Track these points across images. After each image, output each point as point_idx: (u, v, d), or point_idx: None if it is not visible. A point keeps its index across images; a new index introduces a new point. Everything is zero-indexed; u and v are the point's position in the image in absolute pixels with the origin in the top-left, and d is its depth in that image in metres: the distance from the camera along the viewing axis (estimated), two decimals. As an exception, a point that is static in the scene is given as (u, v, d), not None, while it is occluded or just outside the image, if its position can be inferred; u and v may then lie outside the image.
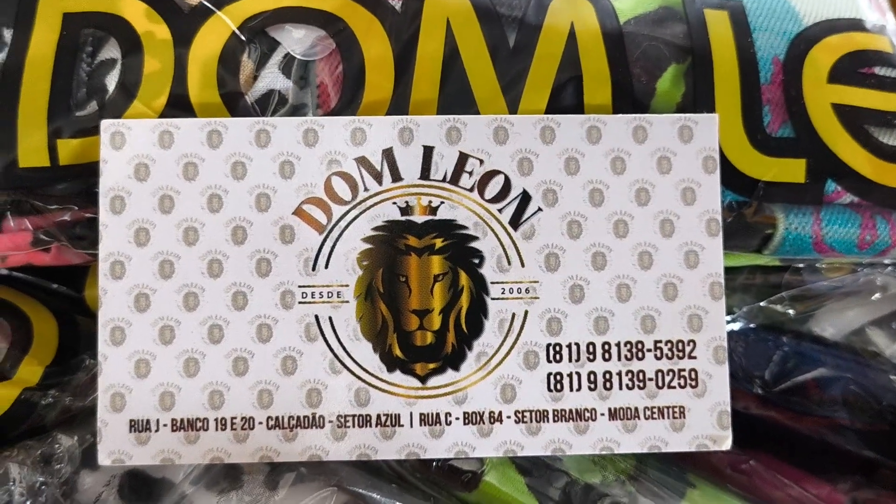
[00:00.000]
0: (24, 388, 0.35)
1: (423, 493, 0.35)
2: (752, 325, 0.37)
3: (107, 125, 0.33)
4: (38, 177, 0.34)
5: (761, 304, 0.38)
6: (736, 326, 0.37)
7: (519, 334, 0.33)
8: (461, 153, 0.34)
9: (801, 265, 0.37)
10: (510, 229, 0.33)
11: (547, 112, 0.35)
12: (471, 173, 0.34)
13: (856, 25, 0.37)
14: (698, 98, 0.35)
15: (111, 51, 0.35)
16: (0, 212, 0.34)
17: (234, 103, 0.34)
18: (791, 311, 0.37)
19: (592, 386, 0.33)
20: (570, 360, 0.33)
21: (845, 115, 0.35)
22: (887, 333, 0.37)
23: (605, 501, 0.34)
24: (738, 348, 0.37)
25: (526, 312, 0.33)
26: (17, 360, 0.35)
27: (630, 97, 0.35)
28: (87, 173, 0.34)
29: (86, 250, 0.35)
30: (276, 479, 0.33)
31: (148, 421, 0.32)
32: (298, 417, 0.33)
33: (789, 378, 0.37)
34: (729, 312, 0.37)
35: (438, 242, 0.33)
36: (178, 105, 0.34)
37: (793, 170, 0.35)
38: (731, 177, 0.35)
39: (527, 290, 0.33)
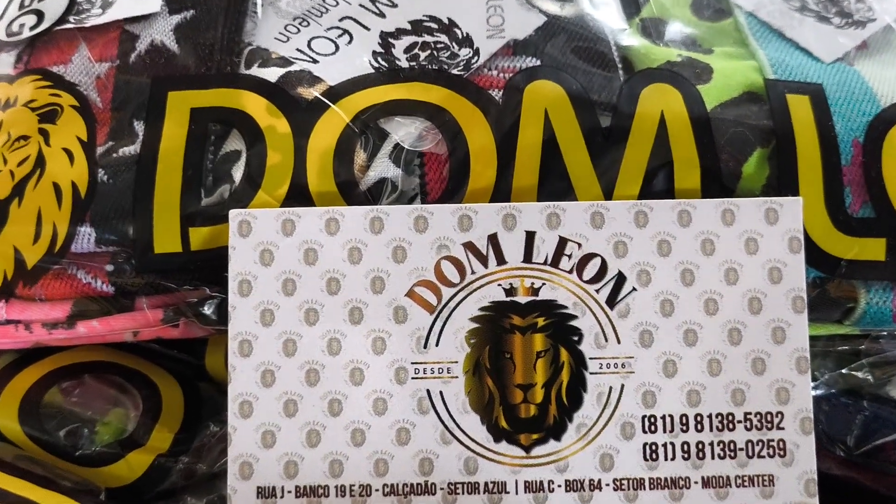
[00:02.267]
0: (158, 454, 0.37)
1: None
2: (833, 391, 0.39)
3: (234, 214, 0.36)
4: (171, 261, 0.36)
5: (842, 371, 0.39)
6: (818, 392, 0.39)
7: (616, 406, 0.34)
8: (561, 237, 0.36)
9: (881, 333, 0.39)
10: (607, 308, 0.35)
11: (640, 197, 0.37)
12: (570, 256, 0.36)
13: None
14: (782, 181, 0.37)
15: (235, 143, 0.37)
16: (134, 291, 0.37)
17: (349, 192, 0.37)
18: (870, 377, 0.39)
19: (686, 455, 0.34)
20: (665, 431, 0.34)
21: (924, 195, 0.36)
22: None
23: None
24: (821, 414, 0.39)
25: (622, 386, 0.34)
26: (149, 427, 0.38)
27: (718, 181, 0.37)
28: (216, 258, 0.36)
29: (213, 326, 0.37)
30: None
31: (274, 488, 0.34)
32: (412, 485, 0.34)
33: (870, 441, 0.39)
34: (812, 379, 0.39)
35: (541, 321, 0.34)
36: (298, 194, 0.36)
37: (874, 248, 0.37)
38: (815, 256, 0.37)
39: (623, 365, 0.34)
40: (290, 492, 0.35)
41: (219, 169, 0.37)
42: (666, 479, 0.34)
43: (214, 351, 0.42)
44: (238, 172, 0.36)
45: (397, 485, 0.35)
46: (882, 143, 0.38)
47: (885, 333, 0.39)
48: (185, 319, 0.37)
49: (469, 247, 0.36)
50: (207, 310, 0.37)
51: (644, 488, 0.35)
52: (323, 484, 0.35)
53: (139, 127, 0.37)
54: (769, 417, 0.36)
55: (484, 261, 0.36)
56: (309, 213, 0.36)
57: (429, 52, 0.39)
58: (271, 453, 0.35)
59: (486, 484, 0.34)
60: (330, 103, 0.37)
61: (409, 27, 0.39)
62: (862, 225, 0.37)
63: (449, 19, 0.40)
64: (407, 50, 0.40)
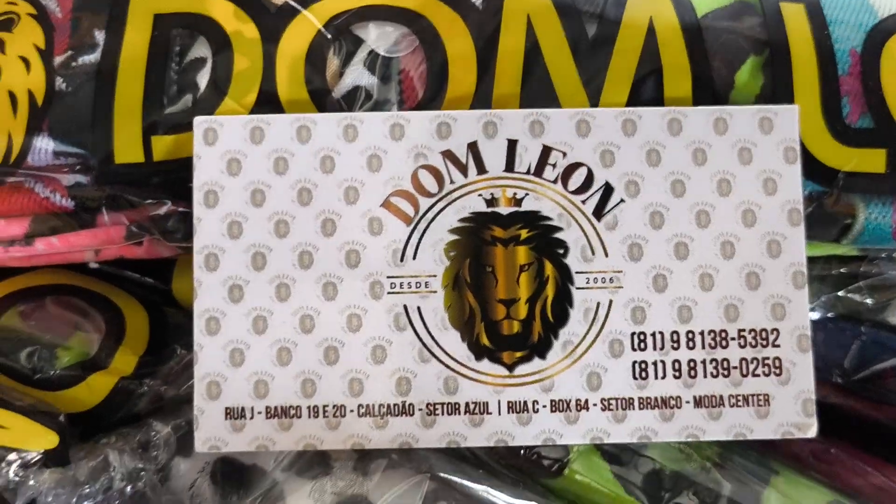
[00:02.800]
0: (121, 377, 0.35)
1: (511, 480, 0.35)
2: (830, 315, 0.37)
3: (200, 122, 0.34)
4: (133, 172, 0.35)
5: (839, 293, 0.38)
6: (814, 316, 0.37)
7: (604, 323, 0.33)
8: (544, 146, 0.34)
9: (879, 255, 0.37)
10: (594, 220, 0.33)
11: (628, 105, 0.35)
12: (554, 165, 0.34)
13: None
14: (777, 90, 0.36)
15: (201, 50, 0.36)
16: (96, 207, 0.35)
17: (321, 100, 0.35)
18: (869, 301, 0.38)
19: (677, 374, 0.33)
20: (655, 349, 0.33)
21: (924, 104, 0.35)
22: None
23: (691, 489, 0.34)
24: (817, 338, 0.37)
25: (610, 301, 0.33)
26: (112, 350, 0.36)
27: (710, 89, 0.35)
28: (181, 169, 0.34)
29: (178, 243, 0.35)
30: (366, 465, 0.34)
31: (243, 408, 0.32)
32: (389, 405, 0.33)
33: (868, 367, 0.37)
34: (806, 302, 0.37)
35: (524, 233, 0.33)
36: (268, 102, 0.35)
37: (873, 160, 0.35)
38: (812, 167, 0.35)
39: (611, 280, 0.33)
40: (259, 413, 0.33)
41: (183, 77, 0.35)
42: (656, 398, 0.33)
43: (182, 275, 0.39)
44: (203, 80, 0.35)
45: (373, 405, 0.33)
46: (880, 53, 0.36)
47: (884, 255, 0.37)
48: (150, 237, 0.36)
49: (448, 155, 0.34)
50: (172, 225, 0.34)
51: (633, 408, 0.33)
52: (295, 404, 0.33)
53: (100, 35, 0.35)
54: (764, 334, 0.34)
55: (463, 170, 0.34)
56: (279, 120, 0.34)
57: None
58: (240, 372, 0.33)
59: (466, 404, 0.33)
60: (300, 8, 0.35)
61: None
62: (860, 135, 0.35)
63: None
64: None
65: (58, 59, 0.35)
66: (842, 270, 0.38)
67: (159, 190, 0.35)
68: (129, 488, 0.33)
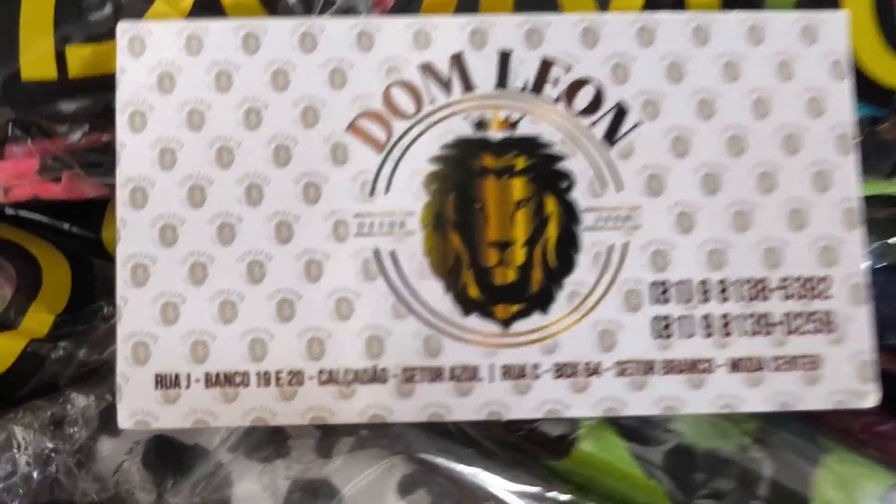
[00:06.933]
0: (31, 339, 0.30)
1: (506, 461, 0.29)
2: (882, 265, 0.31)
3: (124, 28, 0.28)
4: (44, 90, 0.29)
5: (889, 241, 0.32)
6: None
7: (618, 270, 0.28)
8: (544, 59, 0.29)
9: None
10: (604, 147, 0.29)
11: (644, 10, 0.30)
12: (556, 82, 0.29)
13: None
14: (822, -8, 0.30)
15: (128, -56, 0.29)
16: (2, 135, 0.29)
17: (273, 2, 0.30)
18: (926, 250, 0.32)
19: (708, 332, 0.28)
20: (680, 301, 0.28)
21: None
22: None
23: (726, 471, 0.28)
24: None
25: (626, 244, 0.28)
26: (23, 307, 0.30)
27: (742, -9, 0.29)
28: (102, 87, 0.29)
29: (102, 178, 0.30)
30: (329, 444, 0.28)
31: (177, 375, 0.27)
32: (357, 371, 0.28)
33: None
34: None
35: (519, 162, 0.28)
36: (208, 5, 0.29)
37: (937, 77, 0.29)
38: (864, 85, 0.30)
39: (626, 218, 0.28)
40: (198, 380, 0.28)
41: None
42: (682, 361, 0.28)
43: (113, 221, 0.33)
44: (130, -21, 0.28)
45: (337, 371, 0.28)
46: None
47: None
48: (69, 172, 0.30)
49: (427, 69, 0.29)
50: (95, 157, 0.29)
51: (655, 372, 0.28)
52: (241, 370, 0.28)
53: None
54: (811, 284, 0.29)
55: (446, 87, 0.29)
56: (221, 26, 0.29)
57: None
58: (173, 331, 0.28)
59: (452, 369, 0.28)
60: None
61: None
62: (922, 47, 0.29)
63: None
64: None
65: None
66: (890, 214, 0.32)
67: (77, 113, 0.30)
68: (36, 473, 0.26)
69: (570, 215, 0.28)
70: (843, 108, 0.29)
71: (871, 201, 0.32)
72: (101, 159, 0.30)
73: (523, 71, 0.29)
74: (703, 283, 0.28)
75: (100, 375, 0.30)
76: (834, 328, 0.28)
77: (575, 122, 0.29)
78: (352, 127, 0.28)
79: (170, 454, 0.30)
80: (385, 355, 0.28)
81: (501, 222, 0.28)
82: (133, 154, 0.28)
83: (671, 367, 0.28)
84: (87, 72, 0.29)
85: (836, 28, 0.29)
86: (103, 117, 0.29)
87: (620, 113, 0.29)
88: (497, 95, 0.29)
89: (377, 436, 0.29)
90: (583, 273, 0.28)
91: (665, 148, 0.28)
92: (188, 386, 0.27)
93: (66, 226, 0.34)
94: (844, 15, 0.29)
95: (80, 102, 0.29)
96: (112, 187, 0.29)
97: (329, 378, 0.28)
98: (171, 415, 0.27)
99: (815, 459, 0.29)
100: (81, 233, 0.35)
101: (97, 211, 0.34)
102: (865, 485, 0.28)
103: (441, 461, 0.28)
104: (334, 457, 0.28)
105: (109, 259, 0.32)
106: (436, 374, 0.28)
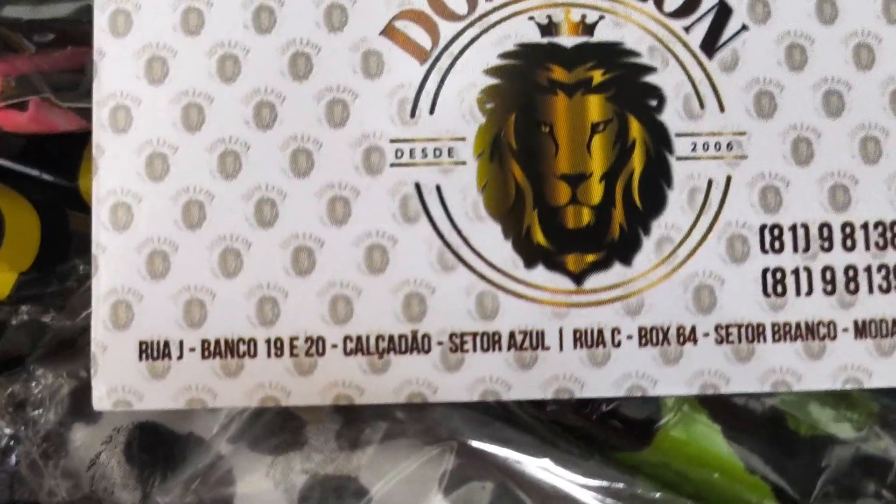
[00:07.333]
0: (-11, 301, 0.26)
1: (575, 453, 0.23)
2: None
3: (104, 2, 0.25)
4: None
5: None
6: None
7: (719, 211, 0.24)
8: (627, -54, 0.25)
9: None
10: (702, 57, 0.24)
11: None
12: (643, -25, 0.25)
13: None
14: None
15: None
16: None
17: None
18: None
19: (829, 288, 0.24)
20: (796, 251, 0.24)
21: None
22: None
23: (848, 456, 0.23)
24: None
25: (728, 178, 0.24)
26: (-20, 264, 0.26)
27: None
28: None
29: (76, 103, 0.26)
30: (356, 431, 0.23)
31: (167, 343, 0.23)
32: (391, 337, 0.23)
33: None
34: None
35: (597, 76, 0.24)
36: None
37: None
38: None
39: (729, 146, 0.24)
40: (192, 349, 0.23)
41: None
42: (798, 324, 0.24)
43: (91, 167, 0.29)
44: None
45: (366, 337, 0.23)
46: None
47: None
48: (37, 97, 0.26)
49: None
50: (69, 79, 0.24)
51: (764, 339, 0.24)
52: (247, 336, 0.23)
53: None
54: (957, 228, 0.24)
55: None
56: None
57: None
58: (163, 286, 0.23)
59: (511, 335, 0.23)
60: None
61: None
62: None
63: None
64: None
65: None
66: None
67: (45, 22, 0.25)
68: (-9, 466, 0.22)
69: (659, 141, 0.24)
70: None
71: None
72: (77, 80, 0.24)
73: (601, -38, 0.25)
74: (825, 227, 0.24)
75: (74, 349, 0.27)
76: None
77: (666, 26, 0.25)
78: (388, 30, 0.24)
79: (157, 444, 0.26)
80: (427, 318, 0.23)
81: (575, 150, 0.24)
82: (115, 63, 0.24)
83: (784, 333, 0.24)
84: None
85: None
86: (78, 29, 0.25)
87: (722, 14, 0.25)
88: (569, -8, 0.24)
89: (416, 420, 0.25)
90: (675, 214, 0.24)
91: (777, 58, 0.25)
92: (180, 356, 0.23)
93: (35, 172, 0.30)
94: None
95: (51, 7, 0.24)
96: (90, 117, 0.24)
97: (357, 347, 0.23)
98: (158, 393, 0.23)
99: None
100: (54, 180, 0.31)
101: (74, 155, 0.30)
102: None
103: (497, 452, 0.23)
104: (363, 447, 0.24)
105: (87, 211, 0.28)
106: (491, 342, 0.23)
